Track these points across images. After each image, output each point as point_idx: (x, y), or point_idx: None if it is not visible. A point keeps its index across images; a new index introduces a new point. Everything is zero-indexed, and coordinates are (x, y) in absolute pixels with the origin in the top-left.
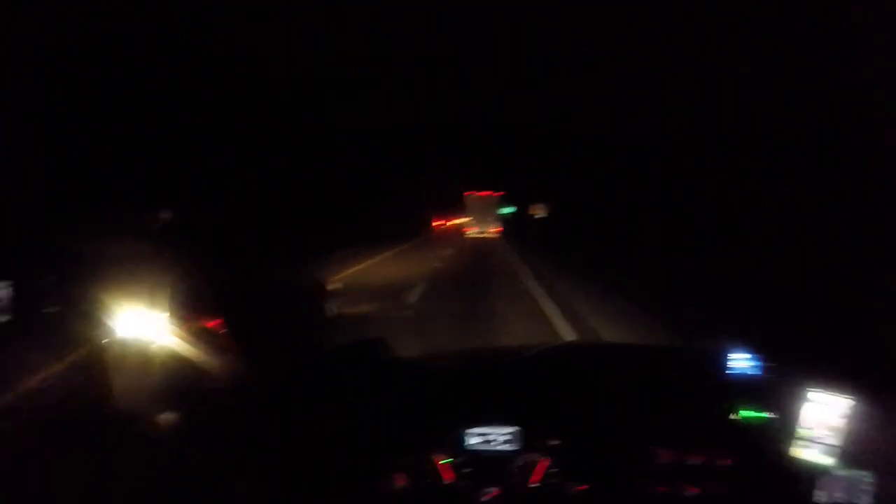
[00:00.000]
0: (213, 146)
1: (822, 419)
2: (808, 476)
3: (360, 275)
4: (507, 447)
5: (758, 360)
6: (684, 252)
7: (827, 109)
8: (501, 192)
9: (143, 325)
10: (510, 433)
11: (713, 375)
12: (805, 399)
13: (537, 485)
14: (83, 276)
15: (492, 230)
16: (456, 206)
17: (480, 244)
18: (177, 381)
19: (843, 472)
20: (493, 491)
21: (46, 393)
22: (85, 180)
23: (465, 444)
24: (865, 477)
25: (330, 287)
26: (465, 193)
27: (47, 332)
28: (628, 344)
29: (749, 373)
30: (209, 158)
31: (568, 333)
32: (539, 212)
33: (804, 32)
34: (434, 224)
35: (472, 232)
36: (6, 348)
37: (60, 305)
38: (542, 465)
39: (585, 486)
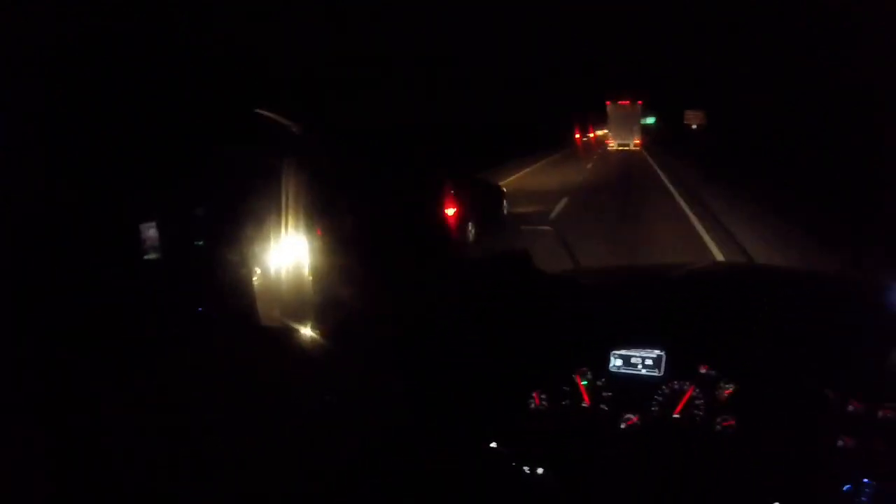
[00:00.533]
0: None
1: None
2: None
3: (519, 182)
4: (651, 372)
5: None
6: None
7: None
8: (640, 101)
9: (288, 248)
10: (655, 357)
11: (882, 312)
12: None
13: (679, 416)
14: (225, 205)
15: (634, 142)
16: (600, 116)
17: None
18: (322, 300)
19: None
20: (633, 418)
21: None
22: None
23: (609, 365)
24: None
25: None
26: (607, 102)
27: (196, 264)
28: (783, 268)
29: None
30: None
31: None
32: (696, 120)
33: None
34: (576, 137)
35: (613, 145)
36: (158, 283)
37: (208, 237)
38: (687, 394)
39: (732, 422)
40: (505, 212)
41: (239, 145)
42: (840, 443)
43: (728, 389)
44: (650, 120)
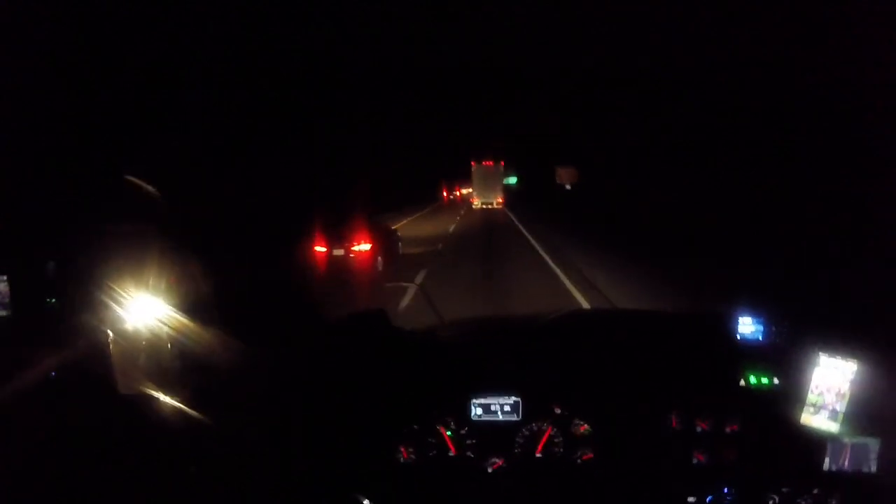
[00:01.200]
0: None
1: (830, 384)
2: (816, 443)
3: (402, 229)
4: (510, 417)
5: (766, 325)
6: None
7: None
8: (503, 162)
9: (146, 313)
10: (512, 403)
11: (722, 341)
12: (813, 364)
13: (541, 455)
14: (84, 265)
15: (497, 201)
16: (465, 175)
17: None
18: (182, 365)
19: (850, 439)
20: (498, 461)
21: (51, 385)
22: (84, 166)
23: (471, 414)
24: (872, 443)
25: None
26: (472, 163)
27: (48, 324)
28: (634, 310)
29: (757, 338)
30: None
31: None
32: (569, 178)
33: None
34: (444, 195)
35: (477, 203)
36: (6, 343)
37: (61, 296)
38: (546, 434)
39: (590, 455)
40: (399, 251)
41: (104, 210)
42: (694, 460)
43: (583, 425)
44: (512, 180)
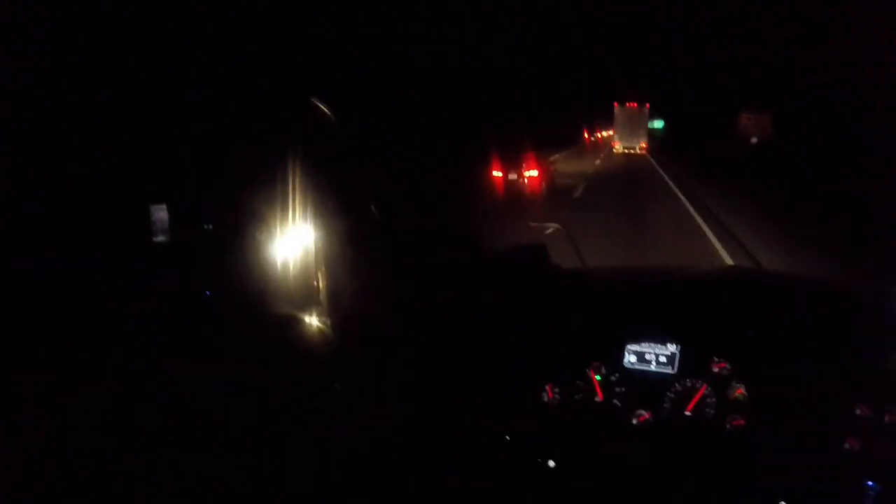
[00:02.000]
0: None
1: None
2: None
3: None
4: (664, 370)
5: None
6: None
7: None
8: (648, 105)
9: (302, 237)
10: (668, 354)
11: (886, 316)
12: None
13: (690, 414)
14: (239, 196)
15: (640, 146)
16: (607, 118)
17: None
18: (333, 286)
19: None
20: (645, 414)
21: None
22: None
23: (623, 361)
24: None
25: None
26: (615, 104)
27: (205, 249)
28: (793, 273)
29: None
30: None
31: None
32: (758, 129)
33: None
34: (585, 137)
35: (618, 148)
36: (167, 267)
37: (216, 224)
38: (699, 393)
39: (742, 422)
40: (555, 180)
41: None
42: (846, 445)
43: (739, 389)
44: (658, 124)
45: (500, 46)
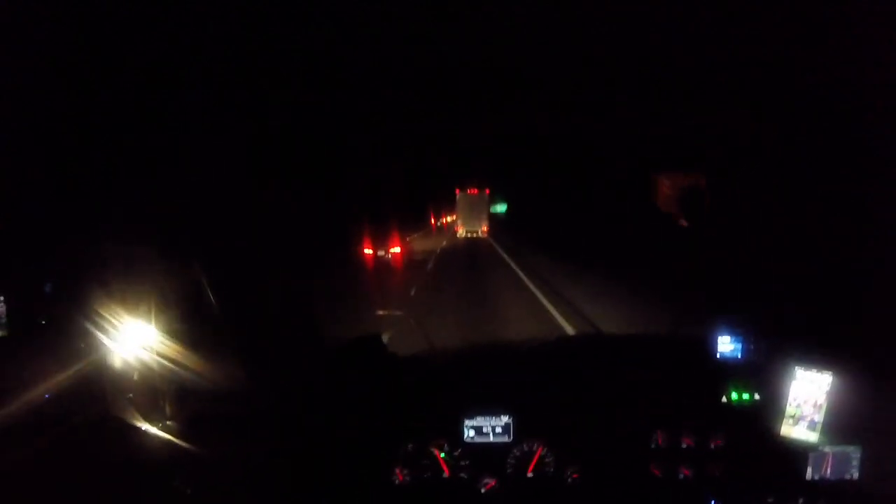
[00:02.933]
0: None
1: (808, 396)
2: (798, 453)
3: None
4: (502, 438)
5: (744, 343)
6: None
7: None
8: (487, 189)
9: (141, 339)
10: (503, 424)
11: (703, 361)
12: (791, 377)
13: (532, 475)
14: (82, 285)
15: (482, 230)
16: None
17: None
18: (177, 389)
19: (831, 448)
20: (491, 482)
21: (48, 405)
22: (84, 181)
23: (463, 436)
24: (853, 451)
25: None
26: (456, 190)
27: (46, 344)
28: (619, 334)
29: (736, 356)
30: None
31: None
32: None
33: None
34: (431, 222)
35: (461, 232)
36: (5, 363)
37: (58, 316)
38: (537, 454)
39: (581, 473)
40: (411, 256)
41: (102, 230)
42: (681, 475)
43: (572, 444)
44: (500, 208)
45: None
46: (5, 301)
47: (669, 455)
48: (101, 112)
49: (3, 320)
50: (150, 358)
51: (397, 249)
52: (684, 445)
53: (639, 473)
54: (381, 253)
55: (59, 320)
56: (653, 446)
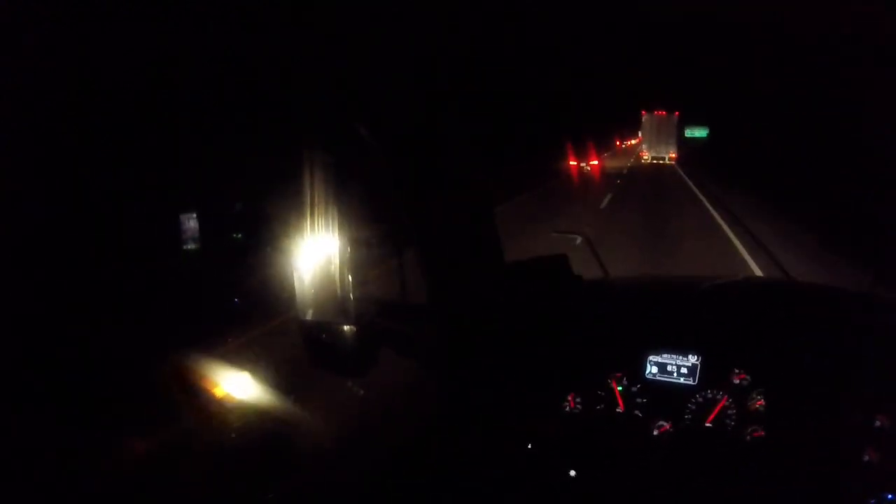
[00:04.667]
0: None
1: None
2: None
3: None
4: (686, 381)
5: None
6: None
7: None
8: (677, 112)
9: (328, 248)
10: (690, 365)
11: None
12: None
13: (711, 425)
14: (267, 205)
15: (670, 156)
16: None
17: None
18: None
19: None
20: (665, 425)
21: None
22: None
23: (645, 372)
24: None
25: None
26: (642, 112)
27: (234, 257)
28: (819, 285)
29: None
30: None
31: None
32: None
33: None
34: (617, 144)
35: (647, 157)
36: (198, 274)
37: (245, 233)
38: (720, 404)
39: (761, 433)
40: (604, 170)
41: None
42: (866, 457)
43: (759, 400)
44: (699, 133)
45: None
46: (198, 217)
47: (860, 433)
48: None
49: (197, 235)
50: (335, 266)
51: (595, 163)
52: (877, 423)
53: (822, 446)
54: (582, 164)
55: (249, 237)
56: (846, 421)
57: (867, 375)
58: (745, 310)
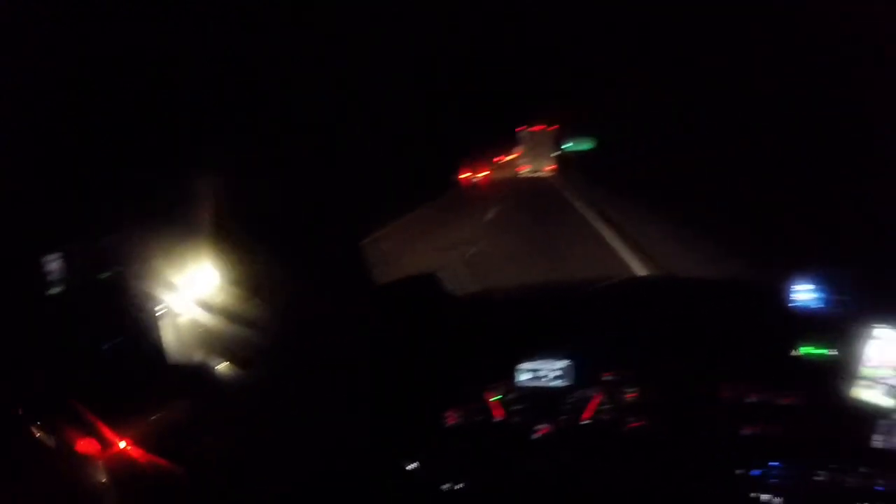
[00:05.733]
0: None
1: (887, 358)
2: (867, 419)
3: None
4: (558, 383)
5: (822, 293)
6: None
7: None
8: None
9: (196, 295)
10: (561, 368)
11: (775, 309)
12: (870, 336)
13: (589, 421)
14: (136, 244)
15: (547, 168)
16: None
17: None
18: (224, 344)
19: None
20: (544, 428)
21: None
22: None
23: (517, 380)
24: None
25: None
26: (517, 129)
27: (101, 301)
28: (686, 277)
29: (812, 306)
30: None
31: None
32: None
33: None
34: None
35: (525, 171)
36: (61, 319)
37: (114, 273)
38: (595, 400)
39: (640, 423)
40: None
41: None
42: (743, 432)
43: (632, 393)
44: (584, 145)
45: None
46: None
47: (733, 410)
48: None
49: (59, 276)
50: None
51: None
52: (749, 400)
53: (699, 427)
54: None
55: (118, 277)
56: (716, 399)
57: (736, 358)
58: (611, 311)
